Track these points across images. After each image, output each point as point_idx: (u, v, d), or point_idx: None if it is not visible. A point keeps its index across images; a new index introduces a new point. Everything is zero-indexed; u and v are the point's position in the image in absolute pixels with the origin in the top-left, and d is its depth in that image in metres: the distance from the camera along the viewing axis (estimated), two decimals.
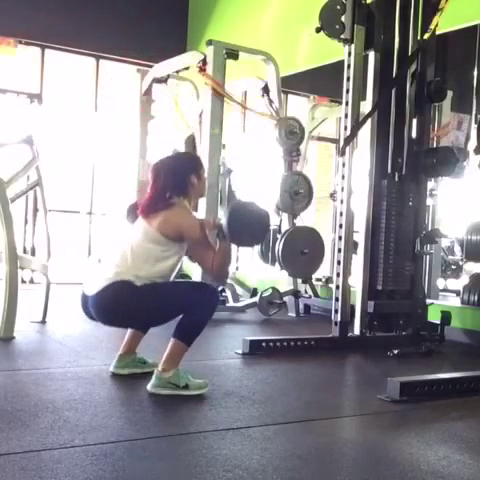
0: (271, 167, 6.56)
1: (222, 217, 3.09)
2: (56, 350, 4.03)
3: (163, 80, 6.71)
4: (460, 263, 7.67)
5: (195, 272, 5.81)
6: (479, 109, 6.66)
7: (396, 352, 4.25)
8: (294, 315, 6.12)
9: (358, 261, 4.63)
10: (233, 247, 3.25)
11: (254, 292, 6.50)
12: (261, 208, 3.12)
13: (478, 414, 3.06)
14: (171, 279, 3.17)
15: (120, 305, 3.01)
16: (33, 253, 7.25)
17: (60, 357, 3.78)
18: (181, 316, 3.01)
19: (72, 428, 2.43)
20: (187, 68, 6.14)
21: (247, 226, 3.05)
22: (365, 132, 4.59)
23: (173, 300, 3.03)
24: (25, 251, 7.17)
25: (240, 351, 4.11)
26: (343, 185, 4.59)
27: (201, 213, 5.76)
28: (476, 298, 5.46)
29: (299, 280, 6.23)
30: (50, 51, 8.01)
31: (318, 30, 4.42)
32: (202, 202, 5.74)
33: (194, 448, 2.31)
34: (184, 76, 6.73)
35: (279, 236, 5.83)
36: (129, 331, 3.35)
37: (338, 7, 4.47)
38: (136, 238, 3.08)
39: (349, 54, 4.56)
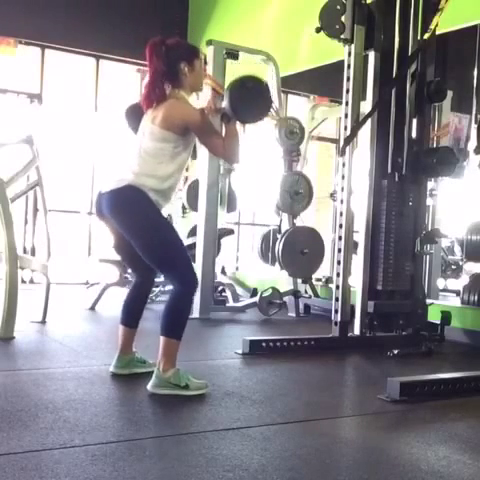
0: (271, 167, 6.56)
1: (224, 99, 3.05)
2: (56, 350, 4.03)
3: None
4: (460, 263, 7.67)
5: (196, 271, 5.81)
6: (479, 109, 6.66)
7: (396, 352, 4.25)
8: (294, 315, 6.12)
9: (358, 261, 4.63)
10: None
11: (254, 292, 6.50)
12: (259, 80, 3.09)
13: (478, 414, 3.06)
14: (181, 175, 3.17)
15: (130, 207, 3.00)
16: (33, 253, 7.25)
17: (60, 357, 3.78)
18: (163, 311, 3.00)
19: (72, 428, 2.43)
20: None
21: (250, 101, 3.03)
22: (365, 132, 4.59)
23: (168, 240, 3.02)
24: (25, 251, 7.17)
25: (240, 351, 4.11)
26: (343, 185, 4.59)
27: (201, 213, 5.76)
28: (476, 298, 5.46)
29: (299, 280, 6.23)
30: (50, 51, 8.01)
31: (318, 30, 4.42)
32: (202, 202, 5.74)
33: (194, 448, 2.31)
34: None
35: (279, 236, 5.84)
36: (120, 330, 3.34)
37: (338, 7, 4.47)
38: (145, 141, 3.05)
39: (349, 54, 4.56)
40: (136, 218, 3.02)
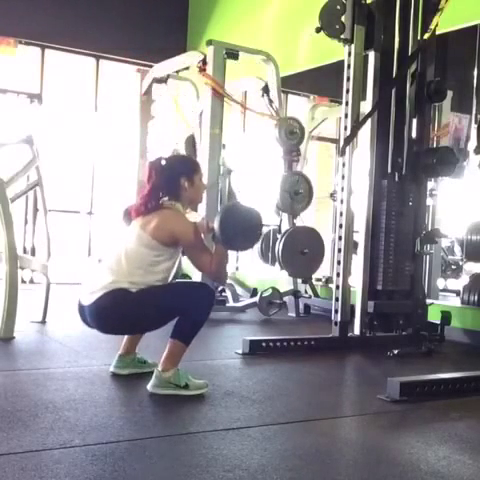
0: (271, 167, 6.55)
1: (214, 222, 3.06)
2: (56, 350, 4.03)
3: (163, 80, 6.71)
4: (460, 263, 7.67)
5: (195, 272, 5.82)
6: (479, 109, 6.65)
7: (396, 352, 4.25)
8: (294, 315, 6.12)
9: (358, 261, 4.63)
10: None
11: (254, 292, 6.50)
12: (251, 209, 3.10)
13: (478, 414, 3.06)
14: (169, 281, 3.15)
15: (117, 313, 2.99)
16: (33, 253, 7.24)
17: (60, 357, 3.78)
18: (180, 317, 3.00)
19: (72, 428, 2.43)
20: (187, 68, 6.14)
21: (239, 231, 3.02)
22: (365, 132, 4.59)
23: (170, 303, 3.02)
24: (25, 251, 7.17)
25: (240, 351, 4.11)
26: (343, 185, 4.59)
27: (201, 213, 5.76)
28: (476, 298, 5.46)
29: (299, 280, 6.22)
30: (50, 51, 8.01)
31: (318, 30, 4.42)
32: (202, 202, 5.74)
33: (194, 448, 2.31)
34: (184, 76, 6.73)
35: (279, 236, 5.83)
36: None
37: (338, 7, 4.47)
38: (130, 243, 3.05)
39: (349, 54, 4.56)
40: (128, 316, 3.00)
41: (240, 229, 3.03)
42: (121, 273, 3.00)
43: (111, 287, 2.97)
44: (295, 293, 6.15)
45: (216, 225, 3.00)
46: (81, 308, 3.12)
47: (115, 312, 2.99)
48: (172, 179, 3.12)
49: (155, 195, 3.11)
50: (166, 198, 3.12)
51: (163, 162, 3.16)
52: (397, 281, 4.62)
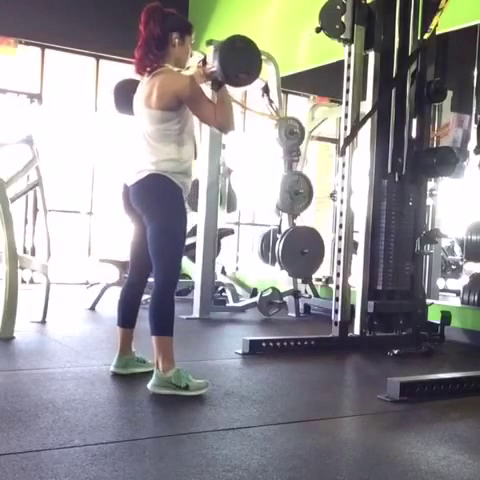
0: (271, 167, 6.56)
1: (213, 63, 3.04)
2: (56, 350, 4.03)
3: None
4: (460, 263, 7.68)
5: (195, 272, 5.83)
6: (479, 109, 6.66)
7: (396, 352, 4.25)
8: (294, 315, 6.12)
9: (358, 261, 4.63)
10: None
11: (254, 292, 6.50)
12: (248, 39, 3.08)
13: (478, 414, 3.06)
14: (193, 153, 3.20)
15: (158, 194, 3.03)
16: (33, 253, 7.25)
17: (60, 357, 3.78)
18: (148, 312, 3.02)
19: (72, 428, 2.43)
20: (187, 68, 6.13)
21: (240, 61, 3.01)
22: (365, 132, 4.59)
23: (172, 241, 3.05)
24: (25, 251, 7.17)
25: (240, 351, 4.11)
26: (343, 185, 4.59)
27: (201, 213, 5.76)
28: (476, 298, 5.46)
29: (299, 280, 6.23)
30: (50, 51, 8.01)
31: (318, 30, 4.42)
32: (202, 202, 5.74)
33: (194, 448, 2.31)
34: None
35: (279, 236, 5.84)
36: (118, 332, 3.35)
37: (338, 7, 4.47)
38: (147, 126, 3.06)
39: (349, 54, 4.56)
40: (158, 203, 3.05)
41: (240, 59, 3.01)
42: (158, 153, 3.02)
43: (157, 170, 3.00)
44: (295, 293, 6.15)
45: (216, 61, 2.98)
46: (125, 190, 3.16)
47: (155, 193, 3.03)
48: (164, 31, 3.09)
49: (151, 46, 3.08)
50: (156, 54, 3.08)
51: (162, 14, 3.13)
52: (397, 281, 4.62)
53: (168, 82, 3.03)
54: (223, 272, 7.07)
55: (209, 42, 5.74)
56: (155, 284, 3.09)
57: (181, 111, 3.04)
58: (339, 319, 4.55)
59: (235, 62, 2.99)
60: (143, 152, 3.08)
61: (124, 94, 3.28)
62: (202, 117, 3.12)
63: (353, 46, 4.53)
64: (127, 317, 3.35)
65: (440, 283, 7.16)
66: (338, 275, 4.60)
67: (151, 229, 3.08)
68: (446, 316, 4.69)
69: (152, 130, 3.04)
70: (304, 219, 6.12)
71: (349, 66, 4.56)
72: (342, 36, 4.50)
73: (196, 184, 6.07)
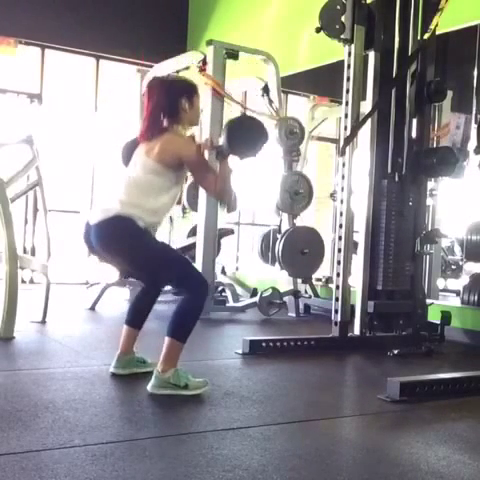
0: (271, 167, 6.56)
1: (221, 136, 3.13)
2: (56, 350, 4.03)
3: None
4: (460, 263, 7.67)
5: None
6: (479, 109, 6.66)
7: (396, 352, 4.25)
8: (294, 315, 6.12)
9: (358, 261, 4.63)
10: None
11: (254, 292, 6.50)
12: (256, 119, 3.17)
13: (478, 414, 3.06)
14: (171, 209, 3.20)
15: (120, 238, 3.01)
16: (33, 253, 7.25)
17: (60, 357, 3.78)
18: (172, 313, 3.00)
19: (72, 428, 2.43)
20: (187, 68, 6.14)
21: (246, 136, 3.08)
22: (365, 132, 4.59)
23: (169, 262, 3.06)
24: (25, 251, 7.17)
25: (240, 351, 4.11)
26: (343, 185, 4.59)
27: (201, 213, 5.76)
28: (476, 298, 5.46)
29: (299, 280, 6.23)
30: (50, 51, 8.01)
31: (318, 30, 4.42)
32: (202, 202, 5.75)
33: (194, 448, 2.31)
34: (184, 76, 6.72)
35: (279, 236, 5.84)
36: (124, 330, 3.35)
37: (338, 7, 4.47)
38: (136, 171, 3.07)
39: (349, 54, 4.56)
40: (130, 246, 3.02)
41: (247, 134, 3.08)
42: (130, 198, 3.01)
43: (121, 211, 2.98)
44: (295, 293, 6.15)
45: (224, 136, 3.05)
46: (87, 228, 3.15)
47: (119, 236, 3.00)
48: (173, 99, 3.11)
49: (157, 116, 3.10)
50: (166, 121, 3.10)
51: (164, 83, 3.17)
52: (397, 281, 4.62)
53: (175, 143, 3.06)
54: (223, 272, 7.07)
55: (209, 42, 5.74)
56: (188, 293, 3.06)
57: (175, 173, 3.05)
58: (339, 319, 4.55)
59: (242, 137, 3.08)
60: (116, 192, 3.07)
61: (131, 153, 3.26)
62: (202, 184, 3.17)
63: (353, 46, 4.53)
64: (137, 319, 3.36)
65: (440, 283, 7.15)
66: (338, 275, 4.60)
67: (145, 270, 3.11)
68: (446, 316, 4.69)
69: (139, 177, 3.04)
70: (304, 219, 6.13)
71: (349, 66, 4.56)
72: (342, 36, 4.50)
73: (196, 184, 6.07)
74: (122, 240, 3.02)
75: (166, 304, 4.78)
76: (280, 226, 5.99)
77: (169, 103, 3.11)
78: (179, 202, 5.89)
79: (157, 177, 3.03)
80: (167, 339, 2.99)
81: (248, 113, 3.20)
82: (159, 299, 3.45)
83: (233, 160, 3.14)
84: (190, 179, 6.59)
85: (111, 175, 3.26)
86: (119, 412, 2.76)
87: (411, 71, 4.68)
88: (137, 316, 3.36)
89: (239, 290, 6.83)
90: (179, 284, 3.11)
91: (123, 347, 3.34)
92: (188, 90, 3.18)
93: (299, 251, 5.71)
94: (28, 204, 7.53)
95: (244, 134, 3.08)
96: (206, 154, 3.15)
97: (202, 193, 5.75)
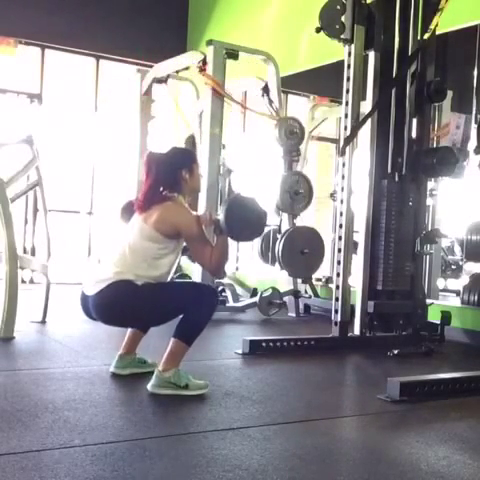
0: (271, 167, 6.55)
1: (219, 213, 3.09)
2: (56, 350, 4.03)
3: (163, 80, 6.70)
4: (460, 263, 7.68)
5: (195, 272, 5.81)
6: (479, 109, 6.66)
7: (396, 352, 4.25)
8: (294, 315, 6.12)
9: (358, 261, 4.63)
10: (232, 243, 3.26)
11: (254, 292, 6.50)
12: (258, 204, 3.13)
13: (478, 414, 3.06)
14: (170, 277, 3.17)
15: (121, 304, 3.01)
16: (33, 253, 7.25)
17: (60, 357, 3.78)
18: (181, 316, 3.01)
19: (72, 428, 2.43)
20: (187, 68, 6.14)
21: (245, 221, 3.06)
22: (365, 132, 4.59)
23: (174, 300, 3.04)
24: (25, 251, 7.17)
25: (240, 351, 4.11)
26: (343, 185, 4.59)
27: (201, 212, 5.75)
28: (476, 298, 5.46)
29: (299, 280, 6.22)
30: (50, 51, 8.01)
31: (318, 30, 4.42)
32: (202, 202, 5.74)
33: (194, 448, 2.31)
34: (184, 76, 6.73)
35: (279, 236, 5.83)
36: (129, 331, 3.36)
37: (338, 7, 4.47)
38: (133, 237, 3.07)
39: (349, 54, 4.56)
40: (131, 309, 3.01)
41: (246, 219, 3.06)
42: (126, 265, 3.01)
43: (116, 278, 2.98)
44: (295, 293, 6.15)
45: (222, 216, 3.03)
46: (84, 298, 3.13)
47: (119, 302, 2.99)
48: (173, 172, 3.12)
49: (155, 190, 3.11)
50: (167, 191, 3.12)
51: (161, 157, 3.16)
52: (397, 281, 4.62)
53: (174, 213, 3.06)
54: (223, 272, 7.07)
55: (209, 42, 5.74)
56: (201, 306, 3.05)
57: (172, 242, 3.05)
58: (339, 319, 4.55)
59: (239, 225, 3.06)
60: (112, 261, 3.06)
61: (131, 213, 3.25)
62: (197, 256, 3.14)
63: (353, 46, 4.53)
64: None
65: (440, 283, 7.16)
66: (338, 275, 4.60)
67: (145, 323, 3.15)
68: (446, 316, 4.69)
69: (136, 243, 3.03)
70: (304, 219, 6.12)
71: (349, 66, 4.56)
72: (342, 36, 4.50)
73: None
74: (122, 304, 3.01)
75: None
76: (280, 226, 5.98)
77: (169, 177, 3.12)
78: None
79: (152, 244, 3.02)
80: (173, 340, 2.99)
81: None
82: None
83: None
84: None
85: (108, 244, 3.26)
86: (119, 412, 2.76)
87: (411, 71, 4.68)
88: None
89: (239, 290, 6.83)
90: (193, 308, 3.02)
91: (126, 348, 3.34)
92: (187, 161, 3.19)
93: (299, 251, 5.70)
94: (28, 204, 7.53)
95: (242, 219, 3.04)
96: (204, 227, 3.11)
97: (202, 193, 5.74)
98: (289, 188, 5.78)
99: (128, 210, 3.24)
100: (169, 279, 3.19)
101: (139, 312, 3.04)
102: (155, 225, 3.01)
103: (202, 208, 5.73)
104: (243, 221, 3.06)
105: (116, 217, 3.38)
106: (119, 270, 3.00)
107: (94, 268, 3.15)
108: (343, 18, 4.49)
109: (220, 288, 6.63)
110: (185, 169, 3.14)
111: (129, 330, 3.36)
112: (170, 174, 3.12)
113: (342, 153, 4.60)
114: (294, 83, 7.83)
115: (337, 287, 4.60)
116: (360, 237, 4.64)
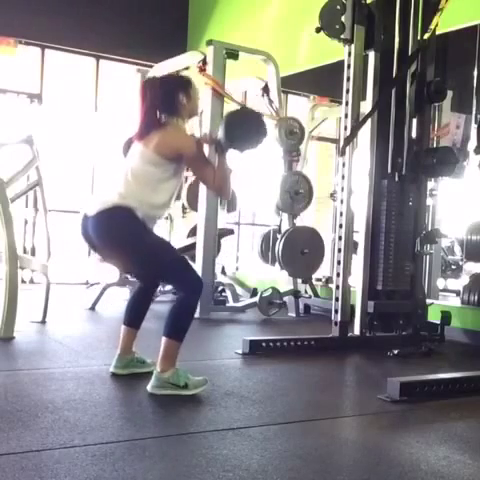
0: (271, 167, 6.56)
1: (219, 129, 3.12)
2: (56, 350, 4.03)
3: None
4: (460, 263, 7.67)
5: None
6: (479, 109, 6.66)
7: (396, 352, 4.25)
8: (294, 315, 6.12)
9: (358, 261, 4.63)
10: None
11: (254, 292, 6.50)
12: (252, 110, 3.17)
13: (478, 414, 3.06)
14: (167, 212, 3.21)
15: (118, 229, 3.00)
16: (33, 253, 7.25)
17: (60, 357, 3.78)
18: (167, 313, 3.01)
19: (72, 428, 2.43)
20: (187, 68, 6.14)
21: (246, 129, 3.07)
22: (365, 132, 4.59)
23: (168, 253, 3.06)
24: (25, 251, 7.17)
25: (240, 351, 4.11)
26: (343, 185, 4.59)
27: (201, 213, 5.76)
28: (476, 298, 5.46)
29: (299, 280, 6.23)
30: (50, 51, 8.01)
31: (318, 30, 4.42)
32: (202, 202, 5.74)
33: (194, 448, 2.31)
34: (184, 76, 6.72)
35: (279, 236, 5.84)
36: (122, 331, 3.35)
37: (338, 7, 4.47)
38: (134, 162, 3.06)
39: (349, 54, 4.56)
40: (128, 236, 3.01)
41: (246, 126, 3.08)
42: (129, 190, 3.00)
43: (119, 202, 2.97)
44: (295, 293, 6.15)
45: (221, 131, 3.04)
46: (85, 219, 3.13)
47: (118, 227, 3.00)
48: (169, 95, 3.10)
49: (152, 114, 3.09)
50: (166, 116, 3.10)
51: (157, 81, 3.16)
52: (397, 281, 4.62)
53: (174, 137, 3.07)
54: (223, 272, 7.07)
55: (209, 42, 5.74)
56: (181, 291, 3.08)
57: (173, 165, 3.04)
58: (339, 319, 4.55)
59: (241, 129, 3.07)
60: (115, 185, 3.06)
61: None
62: (201, 177, 3.18)
63: (353, 46, 4.53)
64: (134, 318, 3.36)
65: (440, 283, 7.16)
66: (338, 275, 4.60)
67: (138, 262, 3.09)
68: (446, 316, 4.69)
69: (138, 167, 3.03)
70: (304, 219, 6.13)
71: (349, 66, 4.56)
72: (342, 36, 4.50)
73: (196, 184, 6.07)
74: (120, 230, 3.01)
75: (165, 304, 4.78)
76: (280, 226, 5.99)
77: (165, 100, 3.10)
78: (178, 197, 5.87)
79: (154, 168, 3.02)
80: (164, 339, 2.99)
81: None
82: (159, 299, 3.46)
83: (233, 154, 3.13)
84: (190, 179, 6.62)
85: (111, 171, 3.25)
86: (119, 412, 2.76)
87: (411, 71, 4.68)
88: (134, 316, 3.36)
89: (239, 290, 6.83)
90: (173, 280, 3.10)
91: (122, 347, 3.34)
92: (182, 84, 3.18)
93: (299, 251, 5.71)
94: (28, 204, 7.53)
95: (243, 126, 3.07)
96: (205, 148, 3.14)
97: (202, 193, 5.75)
98: (289, 188, 5.79)
99: (130, 145, 3.24)
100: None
101: (132, 243, 3.01)
102: (156, 149, 3.00)
103: (202, 208, 5.74)
104: (243, 128, 3.07)
105: (119, 155, 3.37)
106: (123, 193, 2.99)
107: (98, 192, 3.15)
108: (343, 18, 4.48)
109: (220, 288, 6.63)
110: (182, 92, 3.12)
111: (122, 329, 3.35)
112: (166, 97, 3.10)
113: (342, 153, 4.60)
114: (294, 83, 7.83)
115: (337, 287, 4.60)
116: (360, 237, 4.64)
